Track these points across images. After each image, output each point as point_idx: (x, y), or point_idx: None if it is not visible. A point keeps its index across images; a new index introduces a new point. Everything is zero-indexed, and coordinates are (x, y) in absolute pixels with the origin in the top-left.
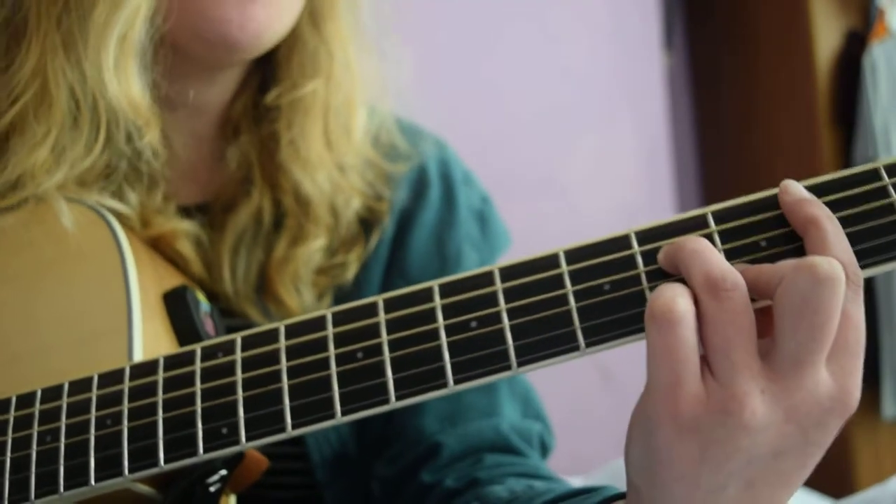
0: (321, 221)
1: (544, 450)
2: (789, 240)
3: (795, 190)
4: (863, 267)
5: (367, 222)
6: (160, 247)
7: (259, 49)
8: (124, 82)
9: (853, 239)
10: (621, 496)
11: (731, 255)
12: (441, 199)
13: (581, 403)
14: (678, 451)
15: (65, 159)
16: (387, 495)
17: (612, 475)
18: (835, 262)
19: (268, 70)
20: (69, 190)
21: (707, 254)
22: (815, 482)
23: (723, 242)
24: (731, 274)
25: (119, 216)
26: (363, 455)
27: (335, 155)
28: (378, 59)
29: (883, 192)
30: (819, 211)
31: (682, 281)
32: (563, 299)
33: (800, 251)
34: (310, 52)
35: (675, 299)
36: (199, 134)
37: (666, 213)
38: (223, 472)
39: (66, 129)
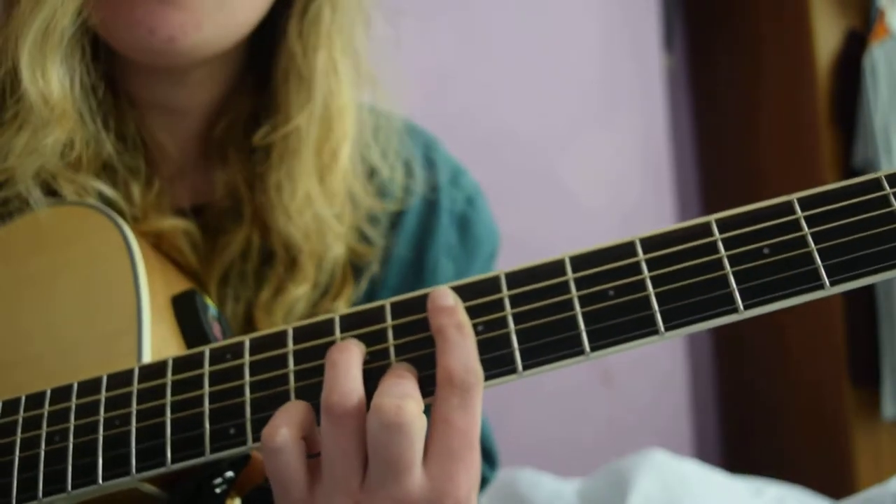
0: (305, 268)
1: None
2: (793, 247)
3: (440, 299)
4: (862, 275)
5: (356, 266)
6: (163, 247)
7: (178, 55)
8: (39, 75)
9: (854, 247)
10: None
11: (733, 262)
12: (423, 206)
13: (581, 405)
14: None
15: (36, 147)
16: None
17: (612, 475)
18: (404, 407)
19: (262, 101)
20: (70, 176)
21: (338, 368)
22: (816, 482)
23: (726, 249)
24: (343, 401)
25: (119, 209)
26: None
27: (324, 197)
28: (374, 53)
29: (884, 202)
30: (447, 320)
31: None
32: (568, 304)
33: (806, 257)
34: (303, 86)
35: (278, 429)
36: (183, 136)
37: (666, 213)
38: (229, 473)
39: (29, 115)
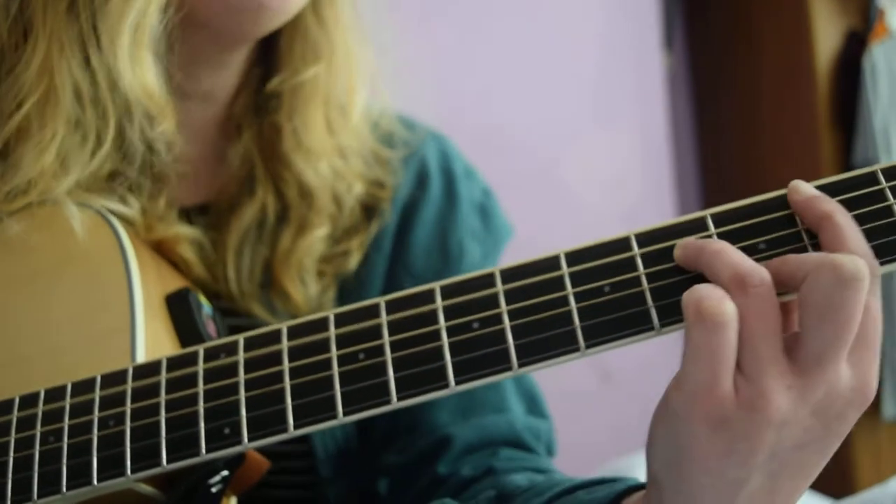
0: (324, 210)
1: (549, 451)
2: (789, 242)
3: (805, 188)
4: None
5: (368, 208)
6: (162, 250)
7: (286, 14)
8: (139, 71)
9: None
10: (640, 487)
11: None
12: (442, 193)
13: (581, 405)
14: (707, 446)
15: (71, 164)
16: (397, 487)
17: (611, 475)
18: (859, 260)
19: (270, 63)
20: (75, 195)
21: (732, 251)
22: (815, 482)
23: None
24: (759, 269)
25: (122, 220)
26: (367, 451)
27: (336, 141)
28: (374, 48)
29: (881, 196)
30: (832, 206)
31: (702, 279)
32: (563, 301)
33: (801, 252)
34: (311, 38)
35: (725, 301)
36: (203, 129)
37: (666, 213)
38: (225, 472)
39: (71, 131)
